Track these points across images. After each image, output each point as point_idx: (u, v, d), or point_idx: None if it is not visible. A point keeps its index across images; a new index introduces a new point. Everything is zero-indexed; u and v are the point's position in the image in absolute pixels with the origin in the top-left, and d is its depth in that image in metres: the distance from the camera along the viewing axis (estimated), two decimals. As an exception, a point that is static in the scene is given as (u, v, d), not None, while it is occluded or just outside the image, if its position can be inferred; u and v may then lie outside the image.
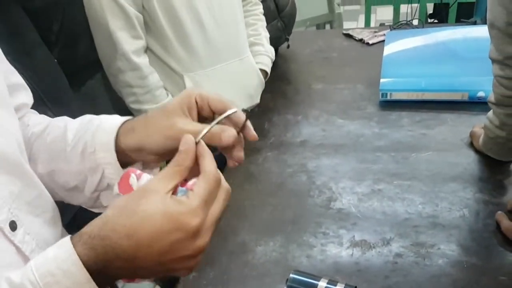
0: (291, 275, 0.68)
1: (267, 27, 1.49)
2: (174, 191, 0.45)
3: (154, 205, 0.42)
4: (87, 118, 0.62)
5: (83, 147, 0.58)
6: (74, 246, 0.41)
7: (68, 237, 0.42)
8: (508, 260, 0.76)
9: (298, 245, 0.85)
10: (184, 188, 0.45)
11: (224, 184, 0.47)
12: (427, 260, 0.78)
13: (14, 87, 0.62)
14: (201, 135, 0.48)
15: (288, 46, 1.73)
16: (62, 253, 0.41)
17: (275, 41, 1.67)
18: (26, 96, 0.67)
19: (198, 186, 0.44)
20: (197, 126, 0.51)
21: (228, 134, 0.50)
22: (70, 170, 0.60)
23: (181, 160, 0.46)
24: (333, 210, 0.92)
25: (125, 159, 0.57)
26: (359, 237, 0.85)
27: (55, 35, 1.07)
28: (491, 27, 0.80)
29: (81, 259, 0.40)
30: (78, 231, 0.43)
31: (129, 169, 0.50)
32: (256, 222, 0.93)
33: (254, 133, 0.54)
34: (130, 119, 0.58)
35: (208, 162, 0.46)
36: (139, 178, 0.48)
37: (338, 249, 0.83)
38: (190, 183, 0.46)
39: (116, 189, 0.50)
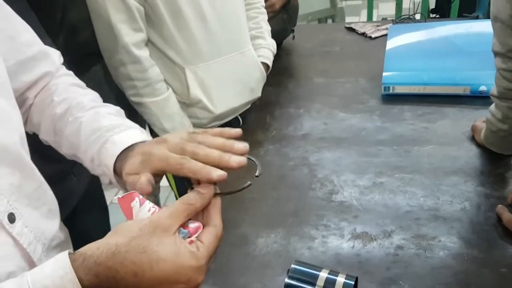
0: (293, 266, 0.68)
1: (273, 20, 1.48)
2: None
3: (167, 249, 0.43)
4: (95, 126, 0.62)
5: (91, 157, 0.61)
6: (76, 269, 0.41)
7: (66, 253, 0.42)
8: (509, 253, 0.77)
9: (300, 237, 0.85)
10: (186, 231, 0.46)
11: None
12: (428, 252, 0.78)
13: (34, 58, 0.63)
14: (224, 191, 0.51)
15: (294, 37, 1.74)
16: (60, 270, 0.41)
17: (281, 33, 1.67)
18: (49, 64, 0.67)
19: (208, 239, 0.46)
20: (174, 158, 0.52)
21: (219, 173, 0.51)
22: (83, 159, 0.64)
23: (195, 200, 0.47)
24: (334, 203, 0.93)
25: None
26: (360, 230, 0.85)
27: (58, 23, 1.07)
28: (495, 20, 0.80)
29: (83, 283, 0.41)
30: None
31: (135, 192, 0.50)
32: (257, 214, 0.93)
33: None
34: (131, 147, 0.58)
35: (219, 216, 0.49)
36: (142, 203, 0.49)
37: (340, 241, 0.83)
38: (191, 226, 0.47)
39: (116, 199, 0.50)
